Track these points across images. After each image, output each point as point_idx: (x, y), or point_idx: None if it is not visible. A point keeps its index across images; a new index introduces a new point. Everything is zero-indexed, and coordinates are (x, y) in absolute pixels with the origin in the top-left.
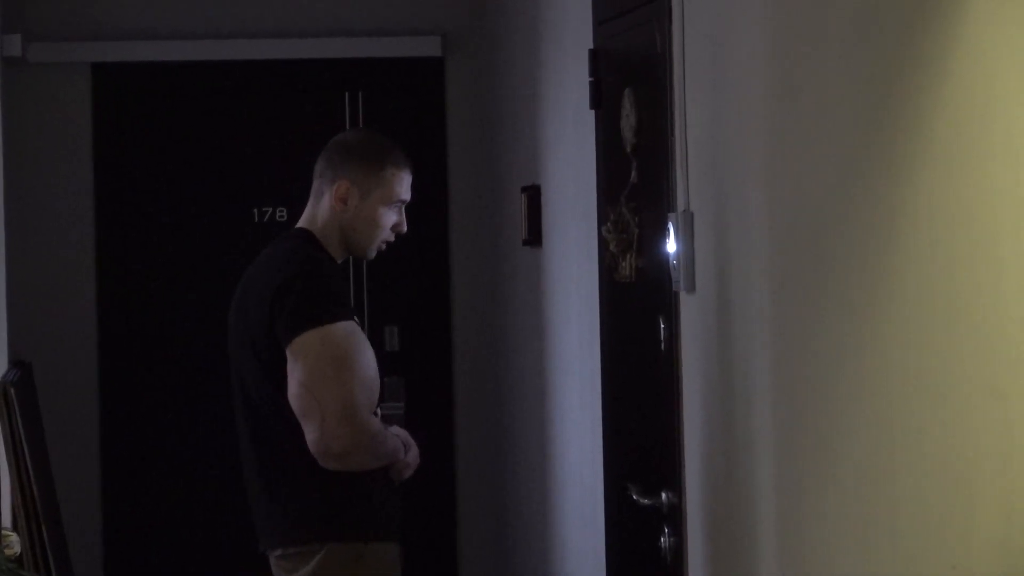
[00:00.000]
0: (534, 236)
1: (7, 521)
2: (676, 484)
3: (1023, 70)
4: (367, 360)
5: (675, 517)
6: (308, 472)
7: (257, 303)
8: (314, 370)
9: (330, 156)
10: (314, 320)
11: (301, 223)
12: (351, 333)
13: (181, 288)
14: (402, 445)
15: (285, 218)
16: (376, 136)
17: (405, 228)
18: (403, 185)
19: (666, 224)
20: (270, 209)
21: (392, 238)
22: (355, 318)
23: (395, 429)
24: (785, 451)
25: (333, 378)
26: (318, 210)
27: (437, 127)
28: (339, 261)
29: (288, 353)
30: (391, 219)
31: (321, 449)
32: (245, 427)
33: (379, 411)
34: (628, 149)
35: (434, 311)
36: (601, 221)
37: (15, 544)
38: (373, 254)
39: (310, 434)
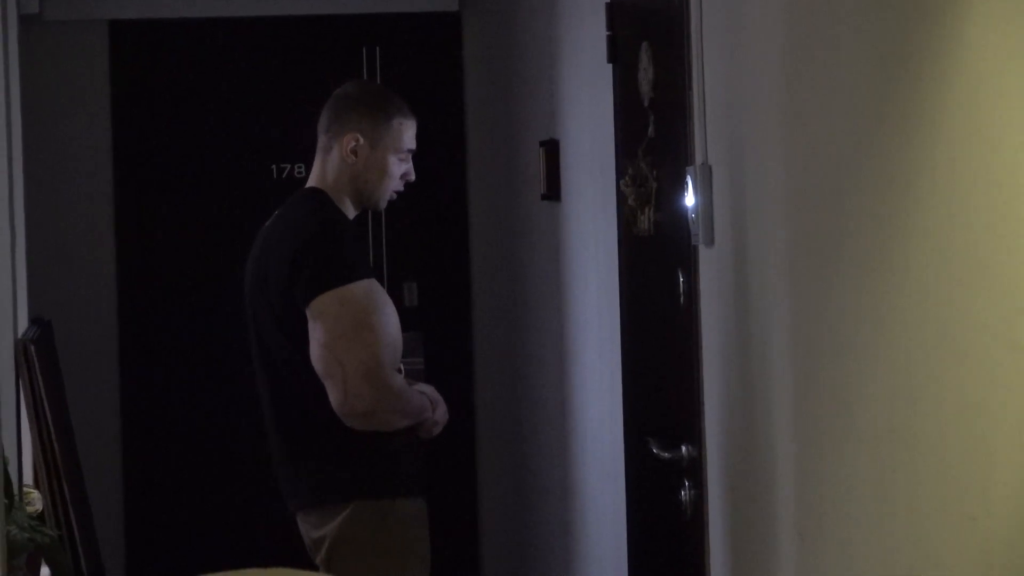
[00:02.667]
0: (552, 191)
1: (28, 478)
2: (696, 438)
3: None
4: (388, 318)
5: (695, 470)
6: (333, 431)
7: (276, 267)
8: (334, 331)
9: (336, 110)
10: (332, 282)
11: (311, 182)
12: (371, 291)
13: (200, 244)
14: (429, 402)
15: (303, 174)
16: (378, 87)
17: (414, 176)
18: (410, 134)
19: (684, 178)
20: (288, 166)
21: (402, 187)
22: (375, 276)
23: (422, 386)
24: (804, 404)
25: (354, 338)
26: (327, 166)
27: (454, 82)
28: (351, 217)
29: (308, 315)
30: (400, 168)
31: (345, 409)
32: (266, 388)
33: (402, 368)
34: (645, 103)
35: (453, 267)
36: (619, 175)
37: (37, 501)
38: (384, 204)
39: (334, 394)
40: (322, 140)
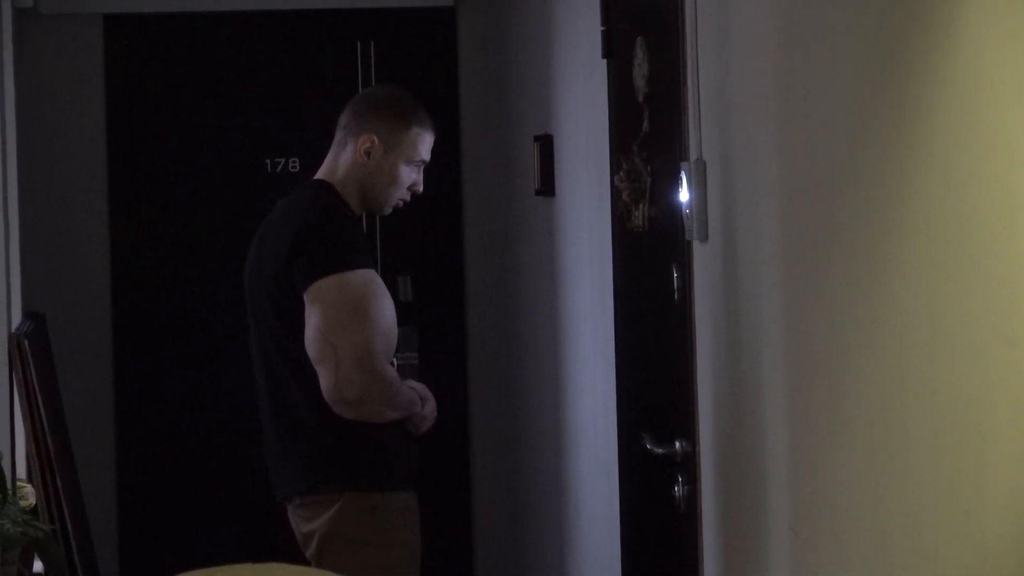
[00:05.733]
0: (547, 186)
1: (22, 472)
2: (690, 433)
3: None
4: (385, 308)
5: (689, 466)
6: (326, 421)
7: (274, 251)
8: (330, 316)
9: (357, 109)
10: (331, 267)
11: (320, 174)
12: (369, 280)
13: (194, 238)
14: (419, 398)
15: (298, 168)
16: (404, 94)
17: (421, 188)
18: (426, 146)
19: (679, 173)
20: (283, 160)
21: (408, 197)
22: (374, 267)
23: (412, 382)
24: (797, 399)
25: (349, 324)
26: (339, 162)
27: (449, 77)
28: (357, 214)
29: (305, 300)
30: (410, 177)
31: (335, 395)
32: (262, 374)
33: (395, 361)
34: (640, 98)
35: (447, 261)
36: (614, 170)
37: (30, 495)
38: (389, 211)
39: (324, 380)
40: (339, 136)
